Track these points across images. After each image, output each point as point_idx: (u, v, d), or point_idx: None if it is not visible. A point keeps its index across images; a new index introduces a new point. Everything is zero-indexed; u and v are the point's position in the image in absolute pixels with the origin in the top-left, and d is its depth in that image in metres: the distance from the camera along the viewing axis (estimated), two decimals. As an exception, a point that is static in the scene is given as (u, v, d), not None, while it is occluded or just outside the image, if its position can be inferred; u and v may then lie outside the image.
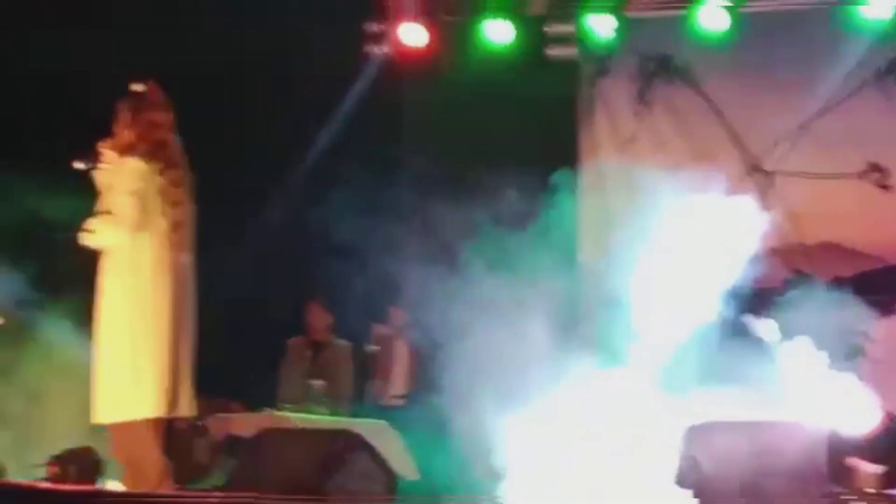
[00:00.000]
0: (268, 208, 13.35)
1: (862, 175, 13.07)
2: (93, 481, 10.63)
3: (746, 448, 10.31)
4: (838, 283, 12.74)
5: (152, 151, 9.18)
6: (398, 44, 13.84)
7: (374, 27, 13.91)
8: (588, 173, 13.62)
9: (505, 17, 13.63)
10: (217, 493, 9.67)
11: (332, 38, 13.25)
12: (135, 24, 12.62)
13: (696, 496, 10.18)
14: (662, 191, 11.00)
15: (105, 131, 9.35)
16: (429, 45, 13.80)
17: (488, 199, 11.56)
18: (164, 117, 9.31)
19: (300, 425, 11.42)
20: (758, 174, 13.31)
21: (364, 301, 12.26)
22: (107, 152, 9.23)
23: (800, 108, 13.17)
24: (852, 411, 10.64)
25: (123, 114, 9.31)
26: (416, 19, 13.81)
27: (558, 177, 11.51)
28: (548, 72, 13.60)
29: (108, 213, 9.16)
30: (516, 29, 13.65)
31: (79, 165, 9.29)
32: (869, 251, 13.04)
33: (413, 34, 13.82)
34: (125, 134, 9.25)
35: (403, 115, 13.66)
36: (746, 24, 13.14)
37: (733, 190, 12.89)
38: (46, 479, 10.52)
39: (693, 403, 10.65)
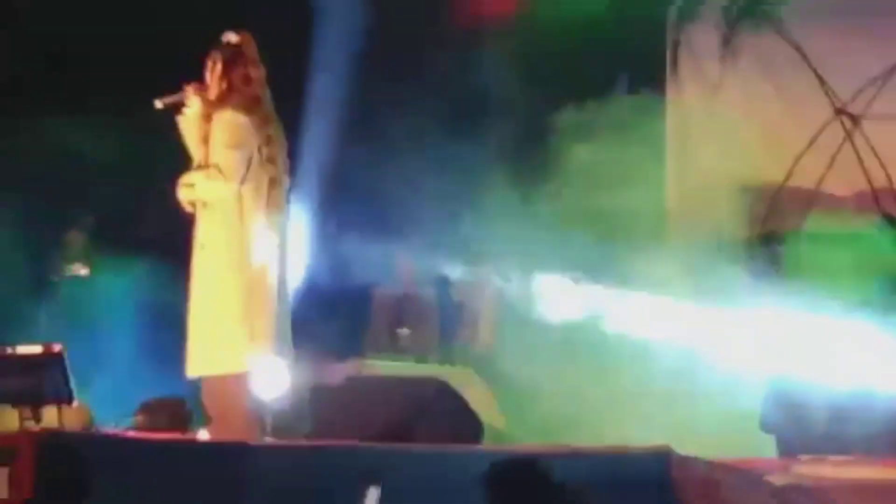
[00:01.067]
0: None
1: None
2: (182, 431, 10.66)
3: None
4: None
5: (248, 106, 9.27)
6: None
7: None
8: (674, 128, 13.61)
9: None
10: (306, 442, 9.72)
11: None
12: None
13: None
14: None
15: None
16: None
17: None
18: (258, 73, 9.40)
19: (387, 373, 11.47)
20: (844, 117, 13.16)
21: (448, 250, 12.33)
22: (197, 99, 9.29)
23: (888, 52, 13.04)
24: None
25: (217, 64, 9.40)
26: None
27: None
28: (633, 19, 13.49)
29: (213, 166, 9.20)
30: None
31: (161, 104, 9.33)
32: None
33: None
34: (220, 84, 9.36)
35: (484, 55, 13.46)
36: None
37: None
38: (135, 428, 10.57)
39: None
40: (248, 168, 9.22)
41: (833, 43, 13.19)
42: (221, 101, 9.32)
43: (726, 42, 13.55)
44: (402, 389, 10.58)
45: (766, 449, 10.55)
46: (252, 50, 9.45)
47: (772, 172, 13.32)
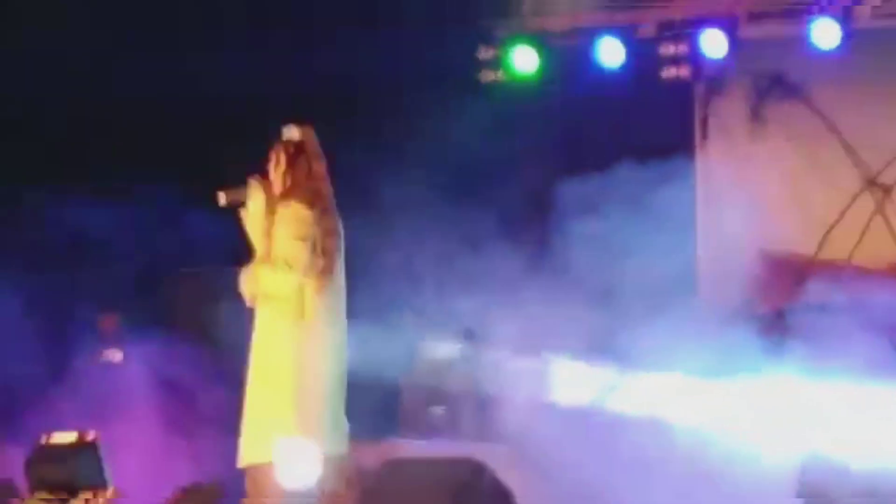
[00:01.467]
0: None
1: None
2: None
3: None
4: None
5: (311, 199, 9.31)
6: (511, 68, 13.80)
7: (487, 53, 13.87)
8: (703, 195, 13.67)
9: (617, 39, 13.58)
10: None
11: (446, 63, 13.34)
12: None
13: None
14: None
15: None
16: (540, 69, 13.75)
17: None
18: (320, 167, 9.44)
19: (423, 454, 11.44)
20: (875, 188, 13.25)
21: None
22: (260, 193, 9.33)
23: None
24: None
25: (282, 158, 9.46)
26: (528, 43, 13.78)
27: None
28: (661, 93, 13.59)
29: (278, 258, 9.27)
30: (628, 50, 13.59)
31: (224, 200, 9.34)
32: None
33: (525, 58, 13.77)
34: (285, 179, 9.40)
35: (516, 136, 13.44)
36: (858, 39, 12.99)
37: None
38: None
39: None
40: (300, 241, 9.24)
41: (862, 113, 13.26)
42: (286, 195, 9.37)
43: (755, 113, 13.65)
44: (439, 471, 10.55)
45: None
46: (313, 144, 9.51)
47: (802, 244, 13.45)
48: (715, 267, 13.47)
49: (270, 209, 9.35)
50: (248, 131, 10.26)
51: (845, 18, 12.99)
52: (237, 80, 12.68)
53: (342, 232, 9.52)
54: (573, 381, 11.28)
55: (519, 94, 13.71)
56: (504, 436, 12.39)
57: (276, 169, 9.42)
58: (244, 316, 10.43)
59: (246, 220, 9.37)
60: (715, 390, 11.42)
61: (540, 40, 13.80)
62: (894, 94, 13.14)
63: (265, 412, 9.32)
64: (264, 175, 9.38)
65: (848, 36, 12.94)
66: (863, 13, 13.07)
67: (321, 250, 9.35)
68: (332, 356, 9.36)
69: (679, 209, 12.65)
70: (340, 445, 9.46)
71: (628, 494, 10.70)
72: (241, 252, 9.66)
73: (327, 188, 9.47)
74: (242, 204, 9.30)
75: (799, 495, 10.71)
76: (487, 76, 13.86)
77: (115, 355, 13.26)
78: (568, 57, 13.74)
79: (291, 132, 9.49)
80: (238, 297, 9.88)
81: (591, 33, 13.65)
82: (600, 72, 13.61)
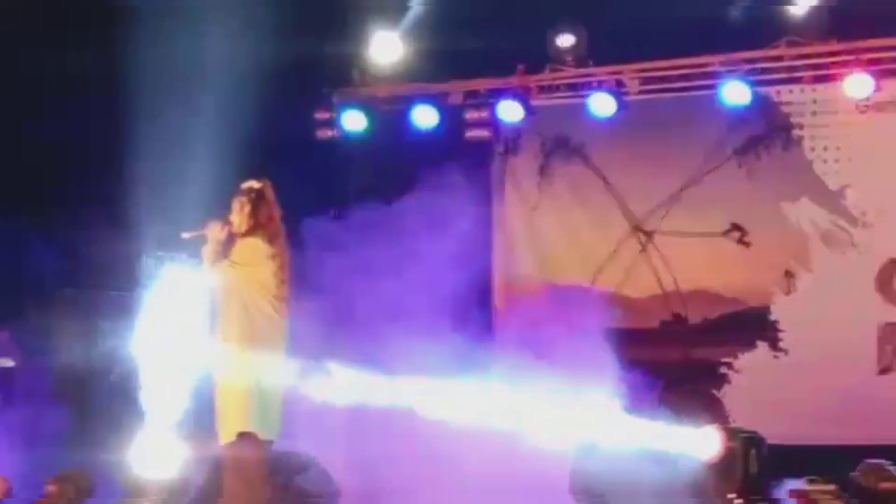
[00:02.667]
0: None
1: (725, 233, 13.01)
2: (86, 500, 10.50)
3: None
4: (708, 322, 13.07)
5: (270, 238, 9.77)
6: (343, 128, 13.78)
7: (322, 115, 13.80)
8: (499, 238, 13.67)
9: (430, 105, 13.56)
10: None
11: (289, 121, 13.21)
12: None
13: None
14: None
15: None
16: (367, 128, 13.73)
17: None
18: (277, 212, 9.89)
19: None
20: (640, 233, 13.28)
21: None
22: (221, 232, 9.82)
23: (674, 179, 13.14)
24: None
25: (245, 205, 9.84)
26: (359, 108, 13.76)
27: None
28: (466, 150, 13.52)
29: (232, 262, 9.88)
30: (439, 115, 13.57)
31: (187, 236, 9.87)
32: (732, 296, 13.02)
33: (355, 120, 13.74)
34: (248, 221, 9.79)
35: (349, 181, 13.43)
36: (631, 108, 13.10)
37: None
38: (44, 499, 10.33)
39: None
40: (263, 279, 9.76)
41: (630, 170, 13.28)
42: (248, 232, 9.78)
43: (542, 169, 13.61)
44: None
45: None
46: (271, 193, 9.90)
47: (579, 278, 13.36)
48: (506, 296, 13.47)
49: (228, 244, 9.83)
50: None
51: (618, 92, 13.11)
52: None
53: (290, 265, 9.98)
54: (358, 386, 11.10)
55: (350, 148, 13.69)
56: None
57: (241, 211, 9.83)
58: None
59: (204, 253, 9.80)
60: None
61: (367, 106, 13.76)
62: (656, 154, 13.16)
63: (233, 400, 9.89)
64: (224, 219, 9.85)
65: (620, 107, 13.05)
66: (633, 87, 13.16)
67: (281, 280, 9.85)
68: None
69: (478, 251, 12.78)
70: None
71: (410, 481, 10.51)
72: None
73: (282, 230, 9.91)
74: (202, 238, 9.77)
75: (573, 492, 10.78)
76: (324, 133, 13.79)
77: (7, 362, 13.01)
78: (390, 119, 13.70)
79: (251, 183, 9.90)
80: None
81: (409, 100, 13.63)
82: (416, 132, 13.59)
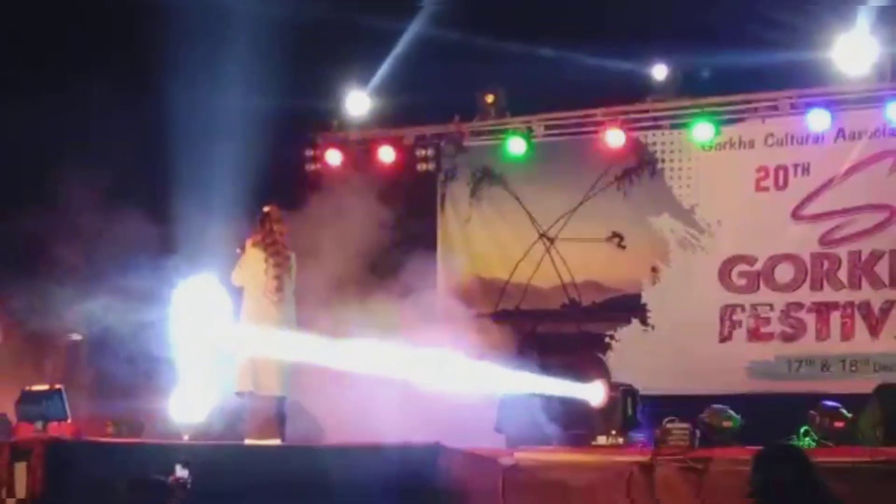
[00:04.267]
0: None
1: (608, 239, 13.01)
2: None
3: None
4: (596, 305, 13.10)
5: (266, 247, 10.24)
6: (325, 162, 13.85)
7: (308, 152, 13.92)
8: (442, 244, 13.69)
9: (390, 146, 13.67)
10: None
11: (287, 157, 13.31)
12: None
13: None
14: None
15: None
16: (344, 163, 13.79)
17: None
18: (282, 228, 10.37)
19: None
20: (545, 239, 13.29)
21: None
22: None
23: (570, 199, 13.14)
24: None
25: (257, 225, 10.37)
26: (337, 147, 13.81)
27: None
28: (417, 179, 13.72)
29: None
30: (396, 153, 13.68)
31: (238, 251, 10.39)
32: (612, 286, 13.03)
33: (334, 156, 13.82)
34: (253, 236, 10.33)
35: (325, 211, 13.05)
36: (538, 148, 13.23)
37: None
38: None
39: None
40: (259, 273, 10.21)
41: (538, 192, 13.30)
42: (252, 245, 10.32)
43: (473, 193, 13.62)
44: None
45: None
46: (277, 213, 10.42)
47: (500, 272, 13.44)
48: (449, 285, 13.45)
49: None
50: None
51: (528, 135, 13.22)
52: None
53: (293, 268, 10.34)
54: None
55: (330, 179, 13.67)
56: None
57: (253, 228, 10.44)
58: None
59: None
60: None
61: (344, 145, 13.81)
62: (557, 181, 13.21)
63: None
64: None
65: (530, 146, 13.19)
66: (538, 133, 13.25)
67: (272, 277, 10.18)
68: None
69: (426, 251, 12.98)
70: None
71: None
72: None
73: (280, 239, 10.31)
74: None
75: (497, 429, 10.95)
76: (311, 167, 13.89)
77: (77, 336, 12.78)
78: (361, 158, 13.72)
79: (264, 208, 10.42)
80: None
81: (376, 142, 13.71)
82: (382, 166, 13.70)
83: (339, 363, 10.45)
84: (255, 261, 10.29)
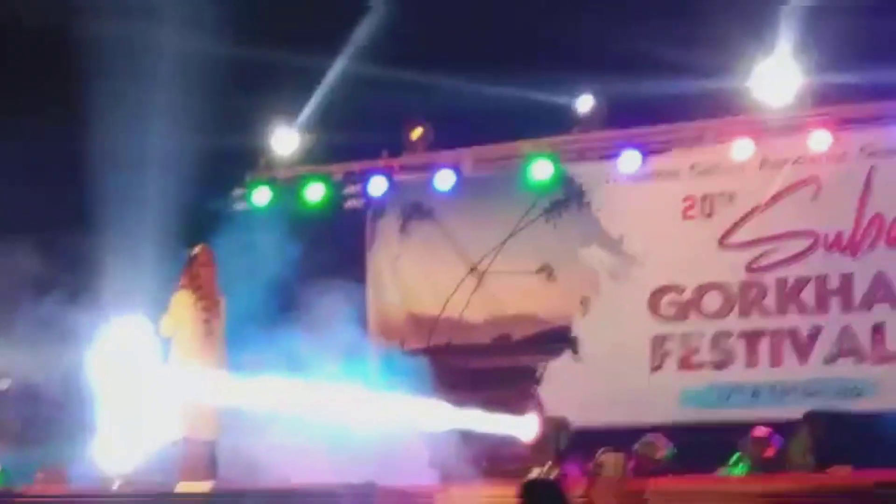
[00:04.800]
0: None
1: (538, 271, 13.01)
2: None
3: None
4: (527, 338, 13.04)
5: (192, 289, 10.16)
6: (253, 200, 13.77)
7: (238, 191, 13.87)
8: (372, 280, 13.65)
9: (319, 182, 13.63)
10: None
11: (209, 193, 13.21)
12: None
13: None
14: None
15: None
16: (272, 201, 13.73)
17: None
18: (208, 271, 10.30)
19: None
20: (474, 272, 13.27)
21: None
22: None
23: (500, 232, 13.14)
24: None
25: (185, 268, 10.33)
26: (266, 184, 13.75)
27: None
28: (344, 216, 13.68)
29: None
30: (325, 190, 13.65)
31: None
32: (544, 318, 13.01)
33: (261, 195, 13.76)
34: (181, 279, 10.27)
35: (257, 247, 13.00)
36: (466, 182, 13.24)
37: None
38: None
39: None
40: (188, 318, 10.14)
41: (468, 226, 13.31)
42: (181, 287, 10.22)
43: (403, 228, 13.60)
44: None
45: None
46: (205, 255, 10.35)
47: (431, 307, 13.41)
48: (380, 321, 13.46)
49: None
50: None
51: (457, 169, 13.22)
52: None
53: (223, 311, 10.28)
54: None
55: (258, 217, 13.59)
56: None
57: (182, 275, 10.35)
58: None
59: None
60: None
61: (273, 183, 13.75)
62: (486, 214, 13.21)
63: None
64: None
65: (458, 180, 13.20)
66: (467, 167, 13.27)
67: (201, 321, 10.18)
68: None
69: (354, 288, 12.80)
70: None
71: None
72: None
73: (210, 279, 10.27)
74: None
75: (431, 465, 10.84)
76: (239, 206, 13.78)
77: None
78: (289, 194, 13.69)
79: (192, 250, 10.39)
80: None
81: (303, 179, 13.65)
82: (308, 203, 13.63)
83: (268, 404, 10.34)
84: (183, 305, 10.19)
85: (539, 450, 10.60)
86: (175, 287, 10.31)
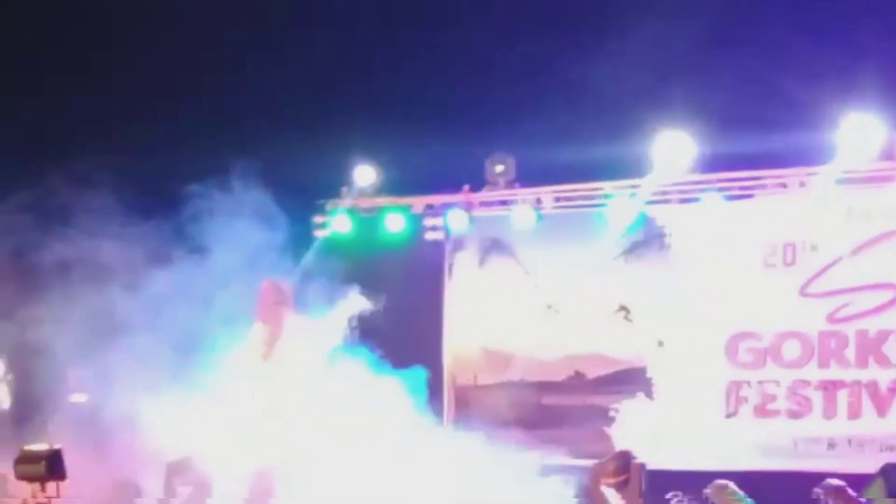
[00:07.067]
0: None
1: (615, 312, 13.01)
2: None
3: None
4: (600, 378, 13.05)
5: (264, 320, 10.80)
6: (335, 228, 13.91)
7: (320, 218, 13.99)
8: (449, 313, 13.70)
9: (399, 213, 13.76)
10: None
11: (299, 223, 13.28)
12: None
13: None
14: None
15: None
16: (354, 230, 13.87)
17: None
18: (278, 298, 11.08)
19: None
20: (551, 310, 13.30)
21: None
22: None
23: (578, 271, 13.10)
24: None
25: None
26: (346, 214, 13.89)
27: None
28: (425, 248, 13.73)
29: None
30: (406, 221, 13.77)
31: None
32: (619, 358, 12.99)
33: (343, 223, 13.90)
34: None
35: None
36: (546, 219, 13.29)
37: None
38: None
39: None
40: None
41: (545, 264, 13.32)
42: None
43: (482, 262, 13.66)
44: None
45: None
46: (270, 288, 11.09)
47: (507, 343, 13.42)
48: (456, 355, 13.53)
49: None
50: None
51: (537, 207, 13.31)
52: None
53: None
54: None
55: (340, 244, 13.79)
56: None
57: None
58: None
59: None
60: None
61: (353, 213, 13.89)
62: (565, 253, 13.21)
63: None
64: None
65: (539, 217, 13.29)
66: (548, 204, 13.33)
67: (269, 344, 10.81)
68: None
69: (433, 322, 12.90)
70: None
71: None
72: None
73: (280, 311, 11.01)
74: None
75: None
76: (321, 233, 13.92)
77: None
78: (371, 223, 13.83)
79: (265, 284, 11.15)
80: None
81: (383, 210, 13.81)
82: (389, 233, 13.76)
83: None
84: (253, 337, 10.65)
85: (623, 490, 10.49)
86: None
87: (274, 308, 10.70)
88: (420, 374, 11.76)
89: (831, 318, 12.21)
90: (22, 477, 9.79)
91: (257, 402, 10.65)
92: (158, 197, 11.78)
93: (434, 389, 12.54)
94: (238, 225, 11.57)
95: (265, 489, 10.20)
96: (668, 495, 10.21)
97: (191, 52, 12.40)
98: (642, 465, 10.68)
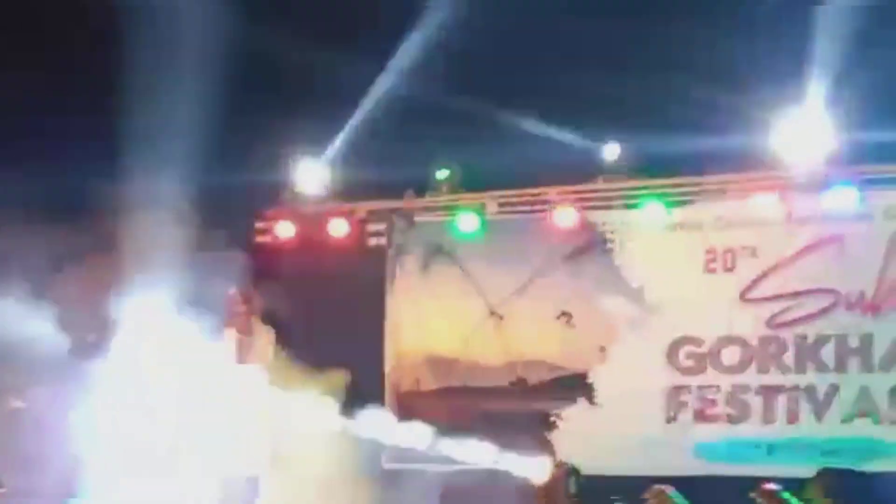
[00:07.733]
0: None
1: (557, 318, 13.05)
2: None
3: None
4: (542, 384, 13.05)
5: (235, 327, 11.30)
6: (276, 235, 13.83)
7: (261, 224, 13.95)
8: (390, 316, 13.69)
9: (343, 220, 13.70)
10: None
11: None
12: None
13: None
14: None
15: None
16: (295, 236, 13.80)
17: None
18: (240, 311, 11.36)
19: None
20: (494, 316, 13.32)
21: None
22: None
23: (520, 277, 13.14)
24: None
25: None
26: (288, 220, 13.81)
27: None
28: (368, 254, 13.71)
29: None
30: (349, 227, 13.71)
31: None
32: (561, 364, 13.03)
33: (286, 229, 13.83)
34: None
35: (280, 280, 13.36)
36: (489, 225, 13.31)
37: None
38: None
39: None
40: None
41: (488, 269, 13.34)
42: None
43: (424, 268, 13.64)
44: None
45: None
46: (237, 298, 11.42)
47: (449, 349, 13.42)
48: (397, 361, 13.50)
49: None
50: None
51: (481, 212, 13.29)
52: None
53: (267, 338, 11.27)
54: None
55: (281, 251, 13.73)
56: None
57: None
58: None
59: None
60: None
61: (295, 218, 13.79)
62: (507, 259, 13.21)
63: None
64: None
65: (482, 223, 13.28)
66: (492, 209, 13.33)
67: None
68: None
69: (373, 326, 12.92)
70: None
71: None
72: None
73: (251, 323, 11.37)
74: None
75: None
76: (263, 238, 13.85)
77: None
78: (314, 229, 13.71)
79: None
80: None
81: (327, 215, 13.72)
82: (331, 239, 13.67)
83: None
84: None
85: (548, 494, 10.68)
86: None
87: (242, 316, 10.76)
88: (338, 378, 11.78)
89: (770, 324, 12.31)
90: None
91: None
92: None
93: (373, 395, 12.50)
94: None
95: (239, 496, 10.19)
96: (611, 500, 10.26)
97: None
98: (565, 466, 10.73)
